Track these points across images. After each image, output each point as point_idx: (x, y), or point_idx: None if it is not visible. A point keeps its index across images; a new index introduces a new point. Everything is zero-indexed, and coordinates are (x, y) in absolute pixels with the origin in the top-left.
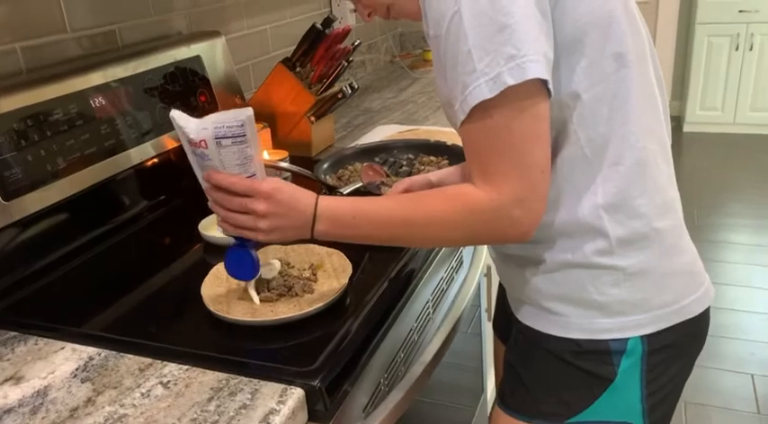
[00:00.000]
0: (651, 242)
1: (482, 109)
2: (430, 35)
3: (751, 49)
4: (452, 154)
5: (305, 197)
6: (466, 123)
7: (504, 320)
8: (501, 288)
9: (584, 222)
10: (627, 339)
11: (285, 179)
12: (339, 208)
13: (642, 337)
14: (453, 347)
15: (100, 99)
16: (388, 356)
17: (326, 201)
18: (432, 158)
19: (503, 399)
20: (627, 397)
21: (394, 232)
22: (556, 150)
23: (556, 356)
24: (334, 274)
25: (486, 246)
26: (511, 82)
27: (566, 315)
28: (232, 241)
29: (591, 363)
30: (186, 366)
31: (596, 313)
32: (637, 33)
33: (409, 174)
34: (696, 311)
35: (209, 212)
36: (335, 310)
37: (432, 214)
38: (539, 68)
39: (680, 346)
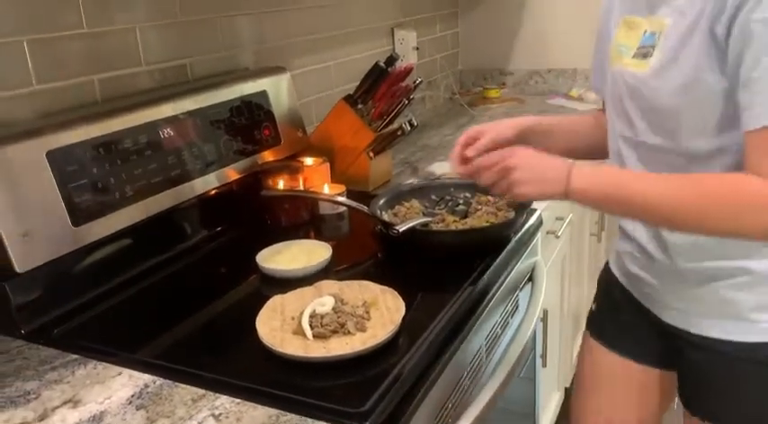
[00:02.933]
0: None
1: None
2: (757, 17)
3: None
4: None
5: (559, 158)
6: None
7: (632, 335)
8: (608, 291)
9: None
10: None
11: (341, 213)
12: (601, 169)
13: None
14: (505, 391)
15: (168, 130)
16: (439, 400)
17: (586, 163)
18: (489, 197)
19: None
20: None
21: (656, 211)
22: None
23: (756, 361)
24: (387, 313)
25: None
26: None
27: (765, 321)
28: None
29: None
30: (238, 400)
31: None
32: None
33: (465, 214)
34: None
35: (267, 244)
36: (387, 350)
37: (705, 201)
38: None
39: None
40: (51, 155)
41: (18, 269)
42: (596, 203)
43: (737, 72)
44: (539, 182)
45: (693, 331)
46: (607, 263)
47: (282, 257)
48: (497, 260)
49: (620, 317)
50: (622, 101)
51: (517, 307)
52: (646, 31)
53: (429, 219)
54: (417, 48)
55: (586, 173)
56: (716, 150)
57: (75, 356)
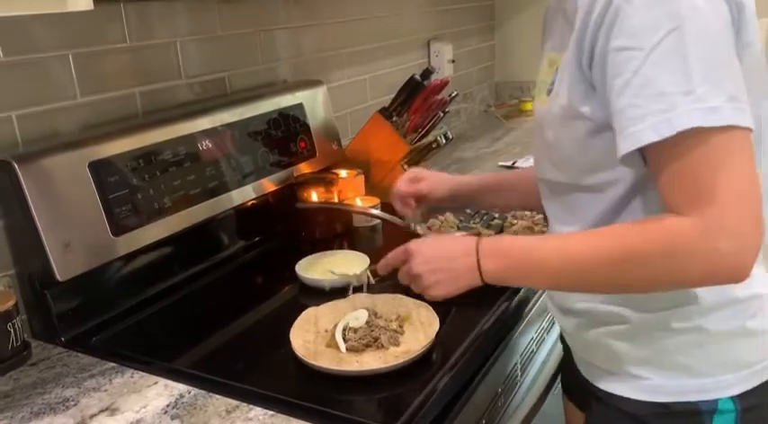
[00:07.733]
0: (741, 305)
1: (694, 135)
2: (614, 46)
3: None
4: None
5: (461, 242)
6: (665, 146)
7: (578, 384)
8: (568, 349)
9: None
10: (716, 399)
11: (374, 226)
12: (508, 242)
13: (733, 397)
14: (541, 409)
15: (207, 142)
16: (473, 417)
17: (490, 240)
18: (526, 212)
19: None
20: None
21: (580, 270)
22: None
23: (640, 421)
24: (421, 327)
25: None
26: (737, 122)
27: (649, 378)
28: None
29: None
30: (271, 412)
31: (681, 375)
32: None
33: (501, 228)
34: None
35: (301, 255)
36: (421, 365)
37: (629, 248)
38: (749, 119)
39: None
40: (93, 167)
41: (59, 277)
42: (516, 281)
43: (608, 101)
44: (452, 281)
45: (592, 381)
46: None
47: (321, 267)
48: None
49: (573, 370)
50: (535, 138)
51: (553, 323)
52: (557, 68)
53: (464, 233)
54: (453, 61)
55: (495, 252)
56: (611, 181)
57: (112, 364)
